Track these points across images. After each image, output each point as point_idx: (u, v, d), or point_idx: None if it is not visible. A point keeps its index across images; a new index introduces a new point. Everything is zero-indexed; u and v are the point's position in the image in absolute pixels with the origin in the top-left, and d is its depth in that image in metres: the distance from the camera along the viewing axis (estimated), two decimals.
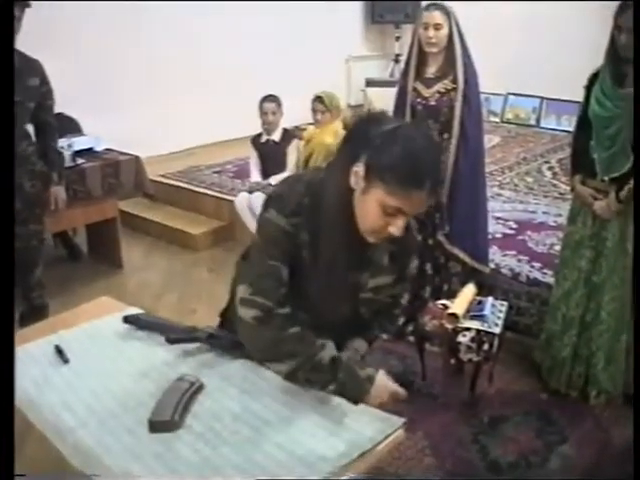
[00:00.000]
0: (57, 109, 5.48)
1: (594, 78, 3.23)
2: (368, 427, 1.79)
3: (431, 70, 3.77)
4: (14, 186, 3.70)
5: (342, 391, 1.87)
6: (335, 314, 1.97)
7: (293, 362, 1.87)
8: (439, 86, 3.73)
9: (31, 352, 2.22)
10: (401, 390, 1.90)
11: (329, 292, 1.89)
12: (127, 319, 2.33)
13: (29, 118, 4.03)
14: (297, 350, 1.87)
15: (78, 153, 5.00)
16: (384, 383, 1.89)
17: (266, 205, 1.91)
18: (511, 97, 8.76)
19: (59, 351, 2.17)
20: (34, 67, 3.98)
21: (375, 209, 1.75)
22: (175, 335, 2.18)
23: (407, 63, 3.87)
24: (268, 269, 1.88)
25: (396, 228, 1.77)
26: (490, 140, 7.74)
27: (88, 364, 2.14)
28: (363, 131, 1.77)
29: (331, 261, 1.86)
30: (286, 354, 1.87)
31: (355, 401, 1.87)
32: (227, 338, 2.14)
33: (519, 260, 4.44)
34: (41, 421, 1.93)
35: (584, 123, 3.29)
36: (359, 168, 1.75)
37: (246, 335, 1.95)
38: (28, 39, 3.79)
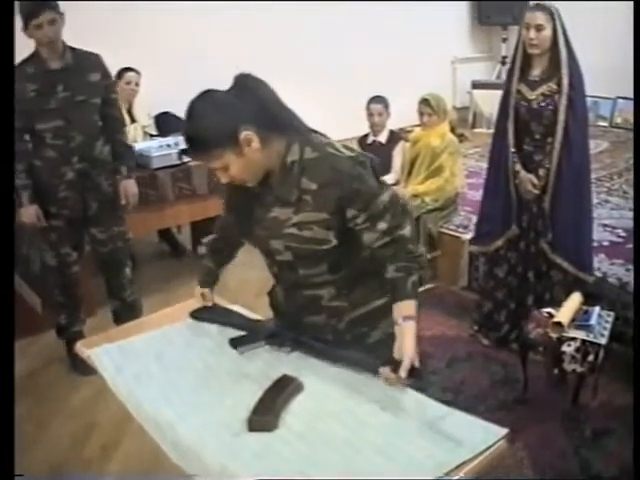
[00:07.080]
0: (163, 108, 5.65)
1: None
2: (469, 436, 1.76)
3: (535, 72, 3.68)
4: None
5: None
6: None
7: None
8: (543, 88, 3.63)
9: (135, 346, 2.28)
10: None
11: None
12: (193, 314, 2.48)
13: (98, 115, 3.87)
14: None
15: (185, 152, 5.09)
16: None
17: None
18: (620, 101, 8.47)
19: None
20: (93, 62, 3.81)
21: None
22: (238, 341, 2.26)
23: (512, 64, 3.79)
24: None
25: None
26: (598, 145, 7.56)
27: (190, 359, 2.19)
28: None
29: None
30: None
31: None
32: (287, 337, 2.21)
33: (627, 269, 4.31)
34: (141, 414, 1.98)
35: None
36: None
37: None
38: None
